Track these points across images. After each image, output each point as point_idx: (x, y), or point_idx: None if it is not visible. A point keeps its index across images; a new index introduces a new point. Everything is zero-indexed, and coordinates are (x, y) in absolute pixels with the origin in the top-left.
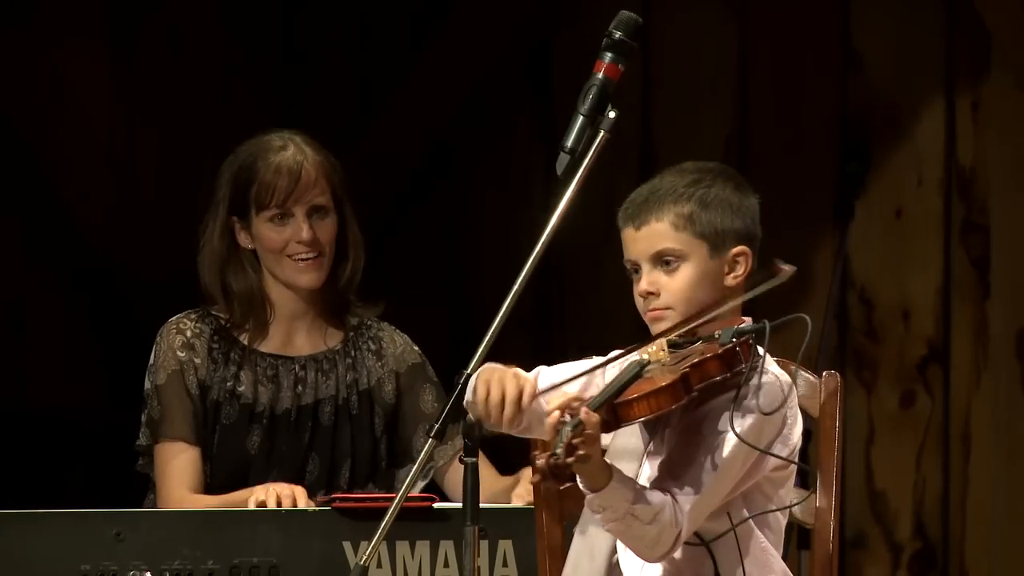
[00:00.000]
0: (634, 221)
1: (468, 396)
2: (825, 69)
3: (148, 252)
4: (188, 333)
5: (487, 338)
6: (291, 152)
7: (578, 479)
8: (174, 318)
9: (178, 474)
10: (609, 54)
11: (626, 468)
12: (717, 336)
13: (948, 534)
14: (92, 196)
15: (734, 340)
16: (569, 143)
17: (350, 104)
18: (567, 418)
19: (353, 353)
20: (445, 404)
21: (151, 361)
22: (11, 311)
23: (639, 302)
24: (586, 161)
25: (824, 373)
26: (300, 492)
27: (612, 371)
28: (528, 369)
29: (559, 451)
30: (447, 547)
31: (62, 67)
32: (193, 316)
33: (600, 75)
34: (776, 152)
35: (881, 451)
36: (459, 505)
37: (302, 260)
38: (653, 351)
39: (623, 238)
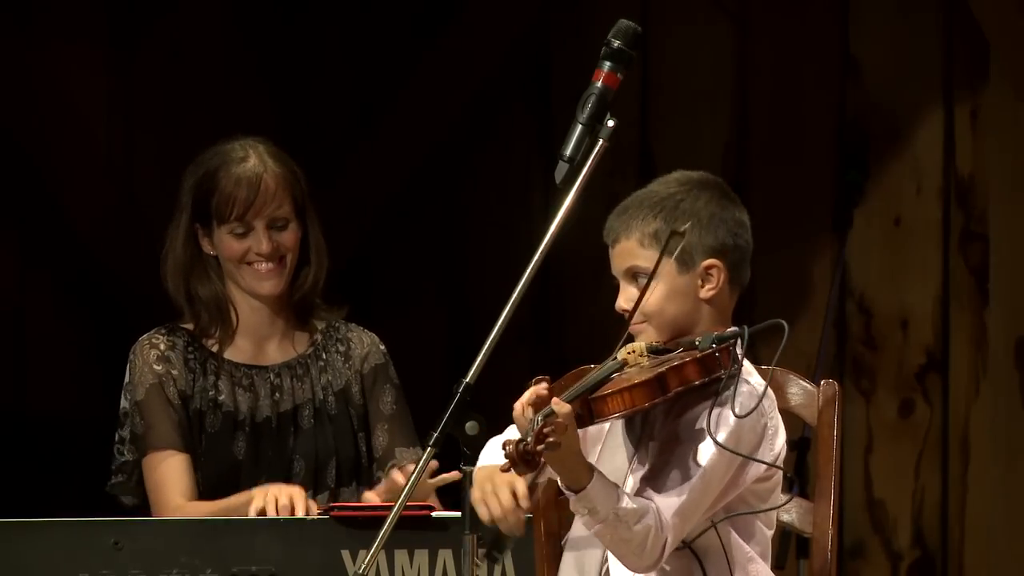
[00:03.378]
0: (608, 238)
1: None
2: (824, 77)
3: (146, 260)
4: (162, 347)
5: (486, 346)
6: (251, 164)
7: (559, 480)
8: (144, 336)
9: (171, 481)
10: (608, 63)
11: None
12: (697, 342)
13: (947, 542)
14: (91, 204)
15: (713, 346)
16: (568, 152)
17: (350, 112)
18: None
19: (324, 356)
20: (444, 412)
21: (127, 380)
22: (10, 318)
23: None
24: (585, 170)
25: (822, 382)
26: (298, 495)
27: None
28: (526, 379)
29: (529, 438)
30: (445, 555)
31: (61, 76)
32: (163, 331)
33: (599, 84)
34: (775, 161)
35: (880, 460)
36: (458, 514)
37: (261, 268)
38: (632, 356)
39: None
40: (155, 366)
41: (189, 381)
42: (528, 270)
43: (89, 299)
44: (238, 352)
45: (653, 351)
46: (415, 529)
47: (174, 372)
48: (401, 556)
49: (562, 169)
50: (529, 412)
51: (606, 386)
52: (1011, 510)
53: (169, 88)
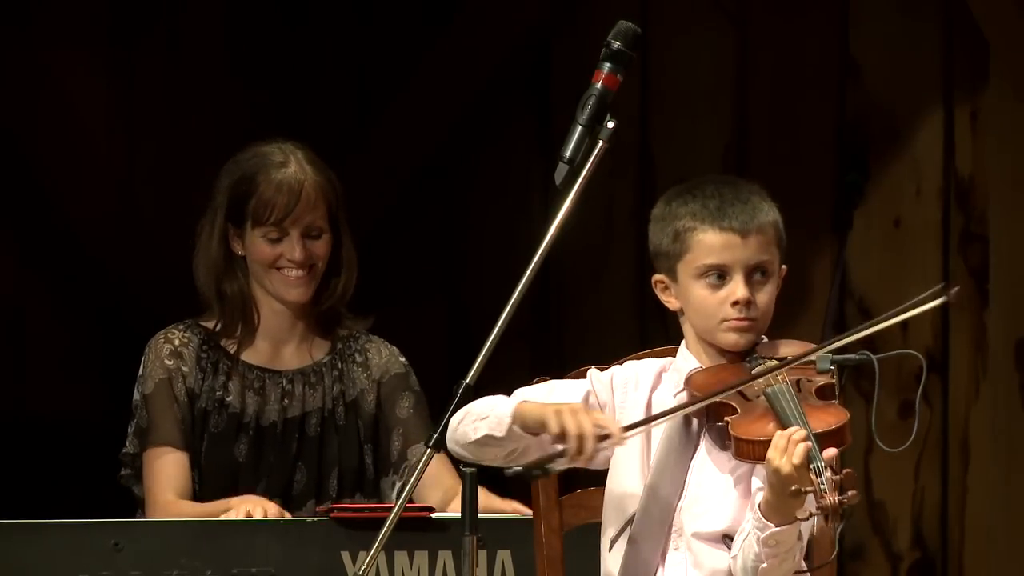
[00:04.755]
0: (737, 226)
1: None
2: (824, 79)
3: (147, 262)
4: (176, 342)
5: (486, 347)
6: (292, 170)
7: (768, 513)
8: (162, 331)
9: (165, 478)
10: (608, 64)
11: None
12: (815, 360)
13: (947, 544)
14: (91, 206)
15: (832, 368)
16: (568, 153)
17: (349, 113)
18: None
19: (340, 365)
20: (444, 413)
21: (140, 372)
22: (10, 321)
23: (720, 309)
24: (585, 171)
25: None
26: (272, 509)
27: (660, 397)
28: (526, 379)
29: (825, 488)
30: (445, 557)
31: (61, 78)
32: (181, 327)
33: (599, 85)
34: (775, 162)
35: (880, 461)
36: (457, 515)
37: (291, 275)
38: (770, 375)
39: (710, 241)
40: (166, 361)
41: (198, 379)
42: (528, 271)
43: (88, 301)
44: (254, 354)
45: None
46: (415, 530)
47: (184, 369)
48: (401, 557)
49: (562, 170)
50: (797, 459)
51: (815, 421)
52: (1011, 510)
53: (169, 90)
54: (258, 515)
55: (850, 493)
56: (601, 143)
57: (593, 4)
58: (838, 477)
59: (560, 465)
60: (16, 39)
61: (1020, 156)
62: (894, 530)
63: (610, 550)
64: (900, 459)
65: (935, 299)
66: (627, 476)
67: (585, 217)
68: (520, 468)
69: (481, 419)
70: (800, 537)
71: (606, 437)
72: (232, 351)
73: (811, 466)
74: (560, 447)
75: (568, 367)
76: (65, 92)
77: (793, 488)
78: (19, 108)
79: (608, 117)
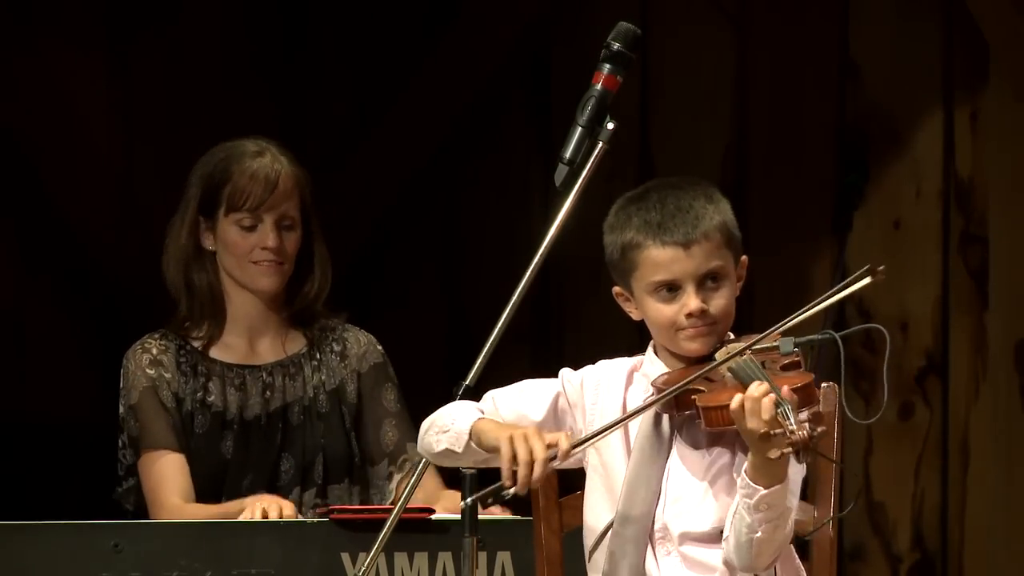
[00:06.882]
0: (680, 239)
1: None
2: (824, 80)
3: (147, 263)
4: (154, 351)
5: (486, 348)
6: (268, 159)
7: (755, 475)
8: (137, 342)
9: (168, 481)
10: (608, 65)
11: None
12: (776, 344)
13: (947, 545)
14: (91, 207)
15: (796, 350)
16: (568, 154)
17: (350, 114)
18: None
19: (318, 356)
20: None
21: (121, 385)
22: (10, 322)
23: (676, 320)
24: (584, 172)
25: (823, 384)
26: (287, 506)
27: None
28: (526, 379)
29: (792, 427)
30: (445, 558)
31: (61, 78)
32: (156, 336)
33: (599, 86)
34: (775, 163)
35: (880, 462)
36: (457, 516)
37: (264, 264)
38: (734, 356)
39: (656, 257)
40: (148, 370)
41: (181, 384)
42: (528, 272)
43: (88, 301)
44: (230, 352)
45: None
46: (415, 532)
47: (167, 375)
48: (401, 559)
49: (562, 172)
50: (766, 414)
51: (780, 383)
52: (1010, 512)
53: (168, 90)
54: (273, 514)
55: (820, 429)
56: (601, 144)
57: (593, 5)
58: (805, 415)
59: (510, 493)
60: (16, 39)
61: (1020, 157)
62: (894, 531)
63: (589, 560)
64: (900, 460)
65: (863, 279)
66: (615, 480)
67: (585, 218)
68: (470, 500)
69: (442, 432)
70: (791, 501)
71: (555, 457)
72: (207, 351)
73: (778, 410)
74: (506, 477)
75: (567, 367)
76: (65, 92)
77: (762, 432)
78: (19, 108)
79: (608, 118)
